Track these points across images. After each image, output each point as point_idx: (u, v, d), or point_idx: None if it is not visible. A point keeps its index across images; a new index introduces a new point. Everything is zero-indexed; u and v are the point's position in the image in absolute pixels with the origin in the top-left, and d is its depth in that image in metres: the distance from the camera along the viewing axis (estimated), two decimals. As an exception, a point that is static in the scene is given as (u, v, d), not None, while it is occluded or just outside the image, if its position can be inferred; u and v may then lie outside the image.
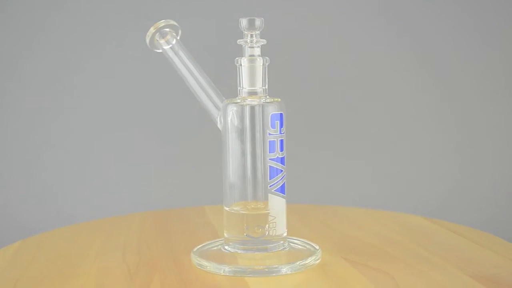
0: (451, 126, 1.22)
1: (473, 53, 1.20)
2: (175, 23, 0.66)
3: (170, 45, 0.66)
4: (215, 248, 0.67)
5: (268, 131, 0.63)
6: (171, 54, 0.66)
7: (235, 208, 0.64)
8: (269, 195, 0.63)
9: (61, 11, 1.32)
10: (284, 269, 0.61)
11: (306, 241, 0.68)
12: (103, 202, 1.34)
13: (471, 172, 1.22)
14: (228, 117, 0.64)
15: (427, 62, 1.22)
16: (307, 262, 0.62)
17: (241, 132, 0.63)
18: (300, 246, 0.67)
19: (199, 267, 0.63)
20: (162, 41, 0.66)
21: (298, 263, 0.62)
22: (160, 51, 0.67)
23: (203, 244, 0.68)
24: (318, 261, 0.64)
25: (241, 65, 0.64)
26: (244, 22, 0.63)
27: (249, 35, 0.64)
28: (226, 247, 0.65)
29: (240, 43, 0.64)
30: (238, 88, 0.65)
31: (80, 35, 1.32)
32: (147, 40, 0.66)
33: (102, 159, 1.35)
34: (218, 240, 0.69)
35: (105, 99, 1.33)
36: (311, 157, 1.25)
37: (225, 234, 0.65)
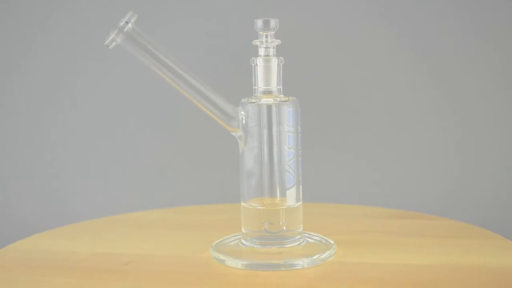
0: (451, 126, 1.23)
1: (473, 53, 1.21)
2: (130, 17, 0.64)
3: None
4: (233, 243, 0.68)
5: (299, 128, 0.66)
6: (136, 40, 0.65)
7: (252, 204, 0.65)
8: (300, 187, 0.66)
9: (61, 11, 1.32)
10: (301, 263, 0.62)
11: (321, 236, 0.69)
12: (104, 201, 1.34)
13: (471, 171, 1.23)
14: (248, 117, 0.65)
15: (427, 62, 1.23)
16: (324, 256, 0.63)
17: (259, 131, 0.65)
18: (315, 241, 0.68)
19: (217, 261, 0.64)
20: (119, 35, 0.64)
21: (315, 257, 0.63)
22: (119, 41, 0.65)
23: (221, 239, 0.69)
24: (334, 255, 0.65)
25: (256, 64, 0.66)
26: (259, 22, 0.65)
27: (264, 36, 0.66)
28: (244, 241, 0.66)
29: (256, 43, 0.66)
30: (254, 87, 0.67)
31: (80, 35, 1.32)
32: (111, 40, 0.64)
33: (102, 159, 1.35)
34: (235, 235, 0.70)
35: (105, 99, 1.33)
36: (311, 156, 1.26)
37: (242, 229, 0.66)
